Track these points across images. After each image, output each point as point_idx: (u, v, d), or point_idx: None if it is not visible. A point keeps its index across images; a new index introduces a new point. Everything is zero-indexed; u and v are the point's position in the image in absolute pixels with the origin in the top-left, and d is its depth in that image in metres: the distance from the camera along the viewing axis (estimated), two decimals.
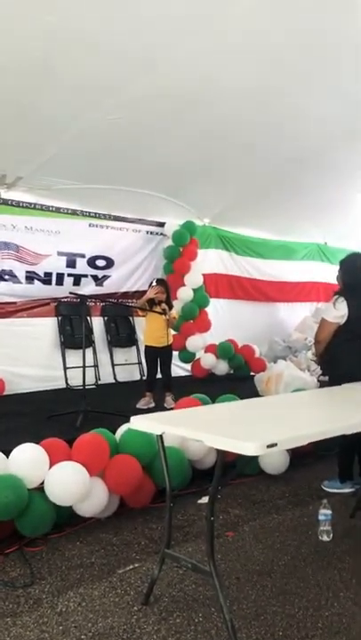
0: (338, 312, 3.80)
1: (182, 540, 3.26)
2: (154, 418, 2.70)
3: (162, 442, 2.51)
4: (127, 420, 3.42)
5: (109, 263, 6.93)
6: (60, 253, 6.48)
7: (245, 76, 4.55)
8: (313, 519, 3.44)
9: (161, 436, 2.48)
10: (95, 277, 6.84)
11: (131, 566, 2.95)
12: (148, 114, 4.91)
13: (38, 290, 6.36)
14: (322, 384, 5.06)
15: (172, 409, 4.78)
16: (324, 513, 3.26)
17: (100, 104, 4.68)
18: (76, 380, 6.12)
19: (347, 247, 8.65)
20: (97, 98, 4.59)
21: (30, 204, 6.15)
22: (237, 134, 5.48)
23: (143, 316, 5.83)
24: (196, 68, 4.36)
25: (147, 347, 5.53)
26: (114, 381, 6.81)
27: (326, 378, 4.12)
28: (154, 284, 5.48)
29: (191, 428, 2.33)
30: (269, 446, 2.00)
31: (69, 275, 6.60)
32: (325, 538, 3.24)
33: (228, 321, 7.76)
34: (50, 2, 3.47)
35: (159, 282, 5.54)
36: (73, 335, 6.52)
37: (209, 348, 7.28)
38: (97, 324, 6.94)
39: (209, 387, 5.80)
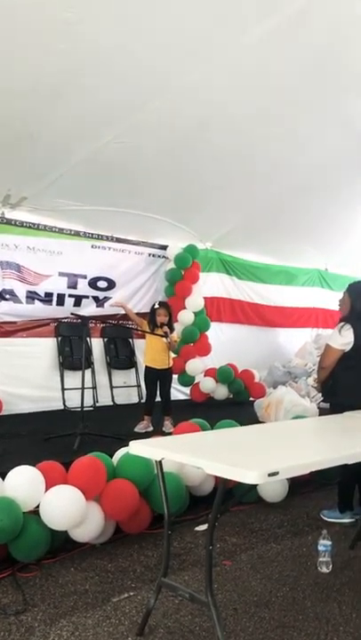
0: (344, 339, 3.77)
1: (178, 568, 3.20)
2: (153, 443, 2.66)
3: (161, 468, 2.47)
4: (125, 444, 3.39)
5: (111, 284, 6.92)
6: (61, 274, 6.47)
7: (249, 103, 4.62)
8: (312, 549, 3.38)
9: (160, 461, 2.44)
10: (96, 298, 6.83)
11: (126, 595, 2.89)
12: (154, 139, 4.96)
13: (38, 310, 6.34)
14: (322, 411, 5.02)
15: (170, 433, 4.74)
16: (324, 544, 3.20)
17: (106, 128, 4.73)
18: (73, 401, 6.08)
19: (347, 274, 8.69)
20: (104, 122, 4.64)
21: (33, 224, 6.16)
22: (241, 160, 5.54)
23: (143, 337, 5.80)
24: (201, 95, 4.43)
25: (147, 367, 5.50)
26: (112, 404, 6.75)
27: (327, 405, 4.08)
28: (156, 306, 5.45)
29: (191, 455, 2.30)
30: (271, 475, 1.97)
31: (70, 295, 6.58)
32: (325, 569, 3.18)
33: (229, 345, 7.73)
34: (62, 31, 3.54)
35: (161, 305, 5.52)
36: (72, 356, 6.49)
37: (208, 372, 7.25)
38: (96, 345, 6.91)
39: (208, 411, 5.76)
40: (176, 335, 5.74)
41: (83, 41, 3.68)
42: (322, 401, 4.29)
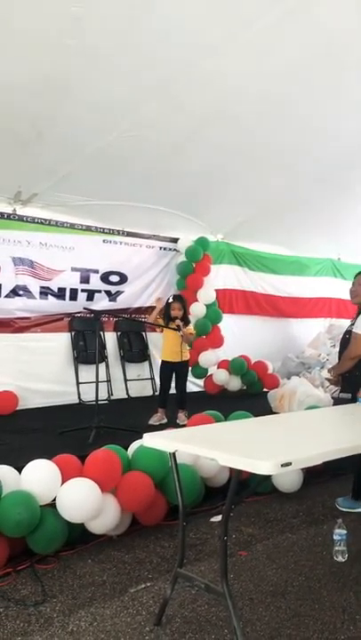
0: None
1: (195, 558, 3.23)
2: (167, 435, 2.68)
3: (175, 460, 2.49)
4: (139, 436, 3.42)
5: (123, 279, 6.95)
6: (73, 269, 6.51)
7: (260, 94, 4.59)
8: (327, 539, 3.39)
9: (174, 453, 2.46)
10: (109, 293, 6.86)
11: (143, 585, 2.92)
12: (163, 131, 4.95)
13: (52, 305, 6.40)
14: (335, 401, 5.01)
15: (184, 425, 4.76)
16: (339, 533, 3.21)
17: (115, 122, 4.73)
18: (88, 395, 6.12)
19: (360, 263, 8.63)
20: (112, 116, 4.64)
21: (45, 220, 6.20)
22: (251, 151, 5.51)
23: (159, 331, 5.84)
24: (211, 86, 4.41)
25: (162, 361, 5.54)
26: (126, 397, 6.80)
27: (347, 395, 4.05)
28: (171, 300, 5.46)
29: (204, 447, 2.31)
30: (284, 465, 1.98)
31: (83, 290, 6.63)
32: (340, 558, 3.19)
33: (241, 337, 7.73)
34: (70, 26, 3.54)
35: (176, 298, 5.53)
36: (86, 350, 6.54)
37: (222, 364, 7.26)
38: (110, 339, 6.95)
39: (222, 403, 5.77)
40: (192, 328, 5.74)
41: (90, 36, 3.68)
42: (341, 392, 4.25)
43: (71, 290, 6.53)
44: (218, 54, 4.02)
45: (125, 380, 6.88)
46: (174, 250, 7.39)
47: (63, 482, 3.25)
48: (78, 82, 4.13)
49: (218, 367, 7.24)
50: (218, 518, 3.77)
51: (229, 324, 7.64)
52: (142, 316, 7.00)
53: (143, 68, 4.06)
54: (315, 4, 3.70)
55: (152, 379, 7.01)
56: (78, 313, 6.52)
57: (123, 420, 5.07)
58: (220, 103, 4.65)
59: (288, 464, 1.99)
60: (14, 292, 6.09)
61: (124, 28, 3.66)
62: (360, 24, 3.93)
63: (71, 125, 4.64)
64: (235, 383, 7.27)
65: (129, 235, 6.96)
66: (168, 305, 5.40)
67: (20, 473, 3.26)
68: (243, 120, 4.95)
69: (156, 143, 5.12)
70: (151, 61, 4.00)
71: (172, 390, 5.52)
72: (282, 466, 1.97)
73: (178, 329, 5.26)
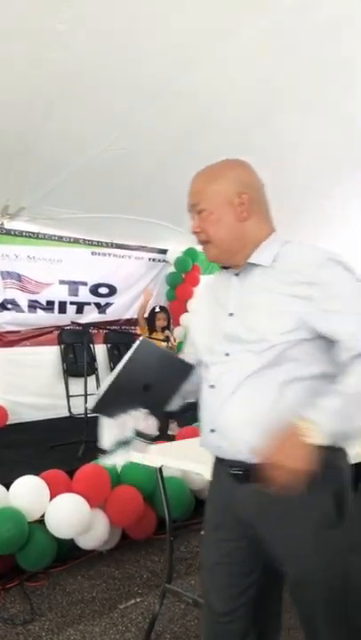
0: None
1: (185, 572, 3.22)
2: (153, 450, 2.67)
3: (161, 474, 2.49)
4: None
5: (112, 290, 6.95)
6: (62, 282, 6.50)
7: (247, 104, 4.61)
8: None
9: (160, 468, 2.46)
10: (98, 305, 6.85)
11: (132, 601, 2.91)
12: (150, 143, 4.96)
13: (41, 318, 6.38)
14: None
15: (174, 436, 4.75)
16: None
17: (102, 135, 4.74)
18: (79, 408, 6.08)
19: None
20: (99, 129, 4.65)
21: (33, 233, 6.19)
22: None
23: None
24: (197, 98, 4.42)
25: None
26: None
27: None
28: (157, 310, 5.47)
29: (190, 461, 2.31)
30: None
31: (72, 303, 6.61)
32: None
33: None
34: (53, 40, 3.55)
35: (162, 309, 5.55)
36: (76, 363, 6.50)
37: None
38: (100, 351, 6.93)
39: None
40: (173, 339, 5.76)
41: (75, 49, 3.68)
42: None
43: (60, 303, 6.51)
44: (204, 66, 4.02)
45: None
46: (163, 261, 7.40)
47: (52, 497, 3.24)
48: (64, 95, 4.13)
49: None
50: None
51: None
52: (132, 327, 6.99)
53: (128, 81, 4.07)
54: (299, 17, 3.72)
55: None
56: (67, 326, 6.50)
57: None
58: (207, 115, 4.67)
59: None
60: (3, 306, 6.07)
61: (108, 42, 3.68)
62: (348, 36, 3.96)
63: (58, 139, 4.64)
64: None
65: (117, 246, 6.95)
66: (154, 315, 5.41)
67: (7, 489, 3.24)
68: (229, 131, 4.97)
69: (143, 155, 5.12)
70: (137, 75, 4.01)
71: None
72: None
73: (167, 340, 5.27)
